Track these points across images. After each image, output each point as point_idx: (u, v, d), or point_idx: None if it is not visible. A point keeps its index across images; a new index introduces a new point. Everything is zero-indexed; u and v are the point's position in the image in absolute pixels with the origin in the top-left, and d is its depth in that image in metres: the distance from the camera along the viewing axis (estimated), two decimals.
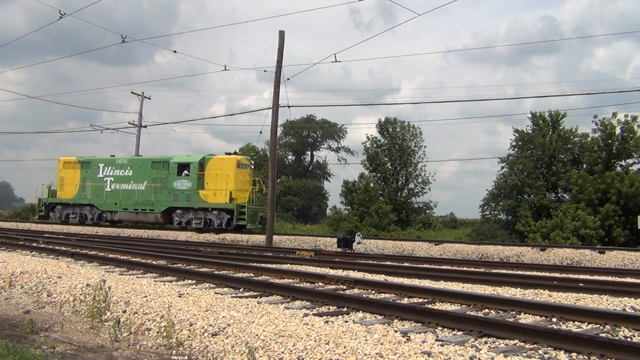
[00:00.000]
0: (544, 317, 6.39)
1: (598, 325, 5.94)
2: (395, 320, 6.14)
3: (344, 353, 4.42)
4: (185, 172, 27.00)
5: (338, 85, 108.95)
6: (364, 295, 7.92)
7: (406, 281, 9.51)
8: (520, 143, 34.53)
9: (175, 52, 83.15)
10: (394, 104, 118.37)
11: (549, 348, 4.89)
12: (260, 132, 48.07)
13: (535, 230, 28.87)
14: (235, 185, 25.94)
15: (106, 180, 29.44)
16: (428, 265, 13.24)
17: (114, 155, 30.85)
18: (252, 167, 30.07)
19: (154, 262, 11.84)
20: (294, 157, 66.56)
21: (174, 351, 5.23)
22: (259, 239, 23.12)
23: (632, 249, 21.11)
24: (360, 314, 6.55)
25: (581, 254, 17.59)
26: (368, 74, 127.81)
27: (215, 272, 10.49)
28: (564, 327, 6.01)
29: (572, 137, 33.42)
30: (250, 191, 26.09)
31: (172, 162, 27.49)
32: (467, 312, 6.60)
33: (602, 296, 7.98)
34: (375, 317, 6.38)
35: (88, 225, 29.35)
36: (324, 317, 5.86)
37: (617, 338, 5.44)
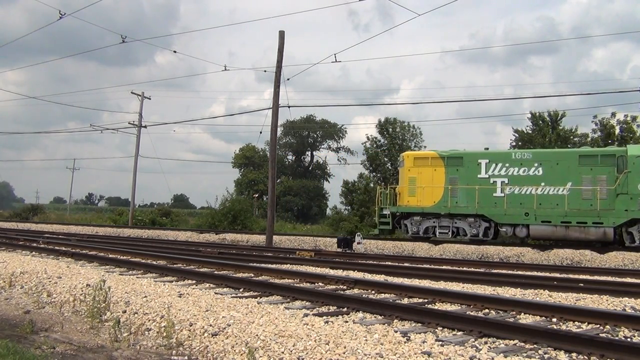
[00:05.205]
0: (544, 317, 6.39)
1: (598, 325, 5.95)
2: (395, 321, 6.14)
3: (344, 353, 4.41)
4: None
5: (337, 85, 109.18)
6: (364, 296, 7.91)
7: (406, 281, 9.51)
8: (520, 143, 34.57)
9: (175, 52, 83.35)
10: (393, 104, 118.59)
11: (549, 348, 4.89)
12: (260, 132, 48.45)
13: None
14: None
15: (494, 182, 21.51)
16: (428, 266, 13.24)
17: (487, 148, 23.07)
18: None
19: (154, 262, 11.84)
20: (294, 157, 66.68)
21: (174, 351, 5.22)
22: (259, 239, 23.13)
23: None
24: (360, 314, 6.54)
25: (581, 254, 17.61)
26: (367, 75, 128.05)
27: (215, 272, 10.49)
28: (564, 327, 6.02)
29: (572, 137, 33.46)
30: None
31: (632, 156, 19.12)
32: (467, 312, 6.60)
33: (602, 296, 7.99)
34: (375, 317, 6.38)
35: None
36: (324, 317, 5.86)
37: (617, 338, 5.45)
